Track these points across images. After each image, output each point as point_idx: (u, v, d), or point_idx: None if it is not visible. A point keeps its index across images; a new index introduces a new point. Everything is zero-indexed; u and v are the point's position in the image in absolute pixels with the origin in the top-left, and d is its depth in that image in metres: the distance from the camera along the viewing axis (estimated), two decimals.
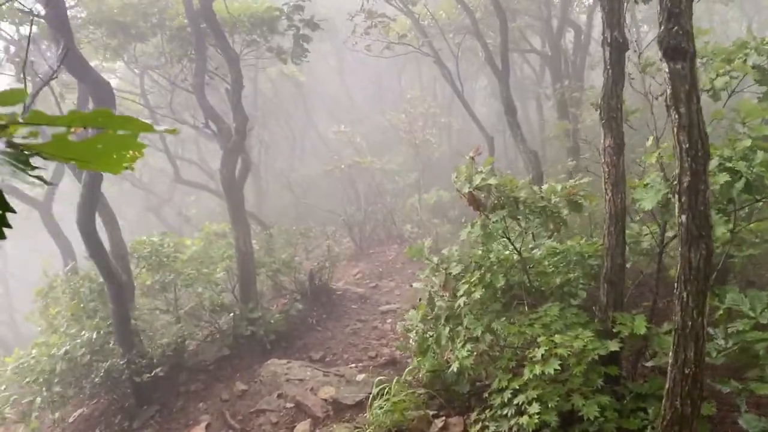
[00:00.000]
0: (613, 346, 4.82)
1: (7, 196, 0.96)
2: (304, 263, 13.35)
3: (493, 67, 11.74)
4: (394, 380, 6.71)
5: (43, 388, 8.62)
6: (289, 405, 8.60)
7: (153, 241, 9.76)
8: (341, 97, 33.22)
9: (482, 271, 5.81)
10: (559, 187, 5.81)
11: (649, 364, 5.66)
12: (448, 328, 6.25)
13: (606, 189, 5.25)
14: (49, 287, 9.06)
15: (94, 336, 8.49)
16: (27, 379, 8.82)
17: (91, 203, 6.93)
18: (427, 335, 6.84)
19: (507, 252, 6.03)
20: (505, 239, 5.88)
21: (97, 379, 8.23)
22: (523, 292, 6.00)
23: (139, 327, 9.02)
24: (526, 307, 5.80)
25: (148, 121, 1.03)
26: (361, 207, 17.96)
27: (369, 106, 33.15)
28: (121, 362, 8.25)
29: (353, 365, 10.19)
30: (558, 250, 6.35)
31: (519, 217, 5.77)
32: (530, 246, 6.32)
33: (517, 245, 5.93)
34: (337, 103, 32.59)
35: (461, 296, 5.87)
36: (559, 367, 4.75)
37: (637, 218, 7.31)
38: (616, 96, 5.24)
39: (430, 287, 6.85)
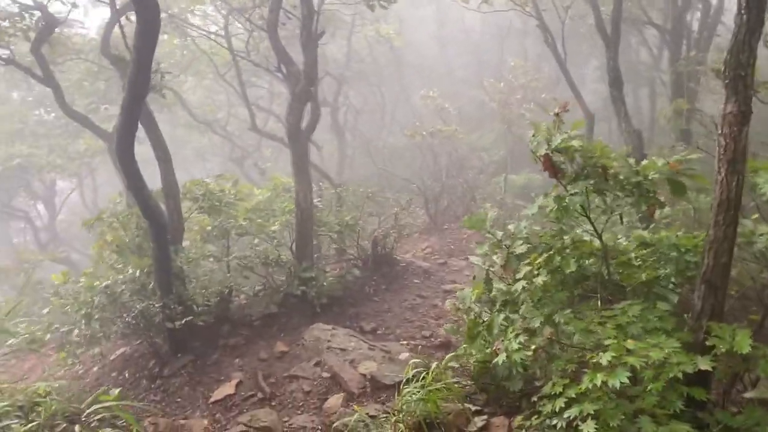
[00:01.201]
0: (704, 363, 3.82)
1: None
2: (369, 229, 12.74)
3: (603, 32, 10.46)
4: (434, 365, 5.94)
5: (82, 321, 8.53)
6: (325, 375, 8.07)
7: (206, 183, 9.42)
8: (439, 67, 32.13)
9: (551, 253, 4.90)
10: (660, 163, 4.75)
11: (748, 394, 4.57)
12: (503, 315, 5.40)
13: (719, 168, 4.18)
14: (98, 218, 8.96)
15: (137, 273, 8.28)
16: (68, 308, 8.79)
17: (129, 128, 6.54)
18: (480, 320, 6.02)
19: (584, 235, 5.07)
20: (584, 218, 4.91)
21: (129, 319, 8.02)
22: (598, 285, 5.04)
23: (185, 272, 8.72)
24: (599, 302, 4.85)
25: None
26: (441, 179, 17.10)
27: (467, 79, 31.90)
28: (156, 305, 7.98)
29: (404, 342, 9.53)
30: (649, 241, 5.31)
31: (606, 192, 4.77)
32: (614, 230, 5.31)
33: (599, 227, 4.95)
34: (434, 73, 31.53)
35: (521, 279, 4.99)
36: (628, 380, 3.81)
37: (755, 215, 6.05)
38: (748, 49, 4.13)
39: (488, 265, 6.00)
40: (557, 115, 4.94)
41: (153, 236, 7.75)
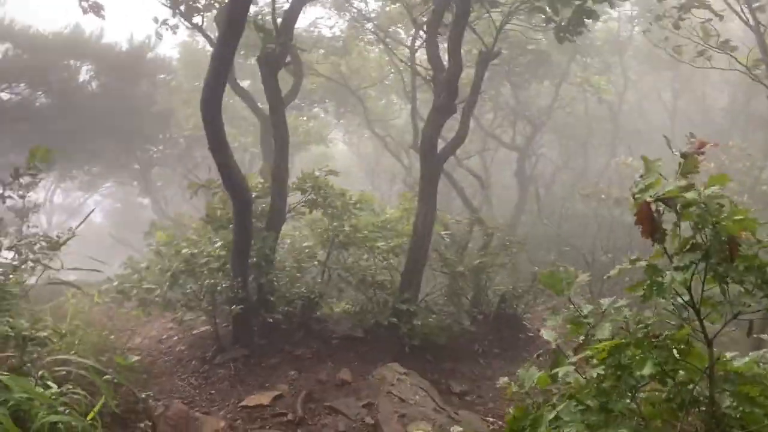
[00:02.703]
0: None
1: None
2: (499, 281, 11.36)
3: None
4: None
5: (166, 284, 8.48)
6: (368, 420, 7.00)
7: (315, 177, 8.91)
8: (659, 138, 28.96)
9: (622, 341, 3.40)
10: None
11: None
12: (553, 414, 3.93)
13: None
14: (203, 185, 8.92)
15: (217, 248, 8.01)
16: (159, 267, 8.81)
17: (217, 81, 6.18)
18: (532, 411, 4.55)
19: (682, 327, 3.45)
20: (687, 306, 3.33)
21: (197, 293, 7.73)
22: (696, 414, 3.39)
23: (274, 263, 8.26)
24: None
25: None
26: (611, 253, 14.93)
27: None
28: (223, 284, 7.59)
29: (490, 418, 8.12)
30: None
31: (729, 279, 3.17)
32: (734, 335, 3.60)
33: (709, 328, 3.32)
34: (653, 143, 28.51)
35: (569, 371, 3.55)
36: None
37: None
38: None
39: (560, 340, 4.53)
40: (688, 156, 3.43)
41: (235, 211, 7.39)
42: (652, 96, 29.89)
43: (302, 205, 9.05)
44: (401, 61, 15.90)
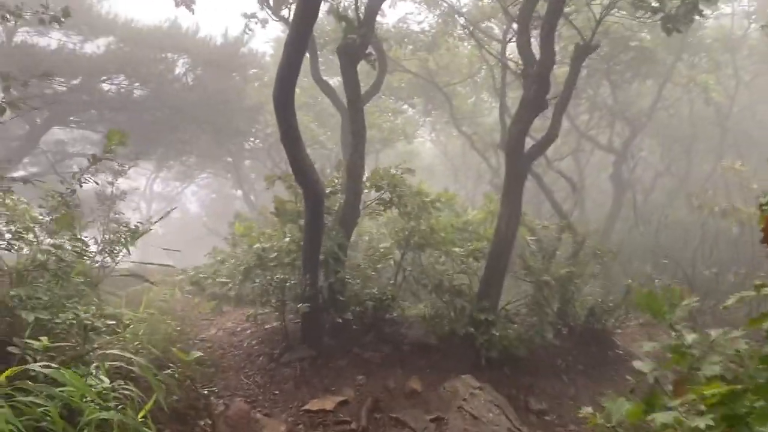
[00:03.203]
0: None
1: None
2: (587, 292, 10.55)
3: None
4: None
5: (237, 278, 8.39)
6: None
7: (391, 175, 8.49)
8: None
9: (735, 389, 2.79)
10: None
11: None
12: None
13: None
14: (280, 177, 8.72)
15: (287, 242, 7.80)
16: (233, 261, 8.74)
17: (290, 70, 5.88)
18: None
19: None
20: None
21: (266, 289, 7.55)
22: None
23: (338, 262, 7.97)
24: None
25: None
26: (718, 270, 13.63)
27: None
28: (291, 281, 7.36)
29: None
30: None
31: None
32: None
33: None
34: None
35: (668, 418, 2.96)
36: None
37: None
38: None
39: (657, 371, 3.91)
40: None
41: (307, 205, 7.13)
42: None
43: (377, 203, 8.71)
44: (491, 55, 15.23)
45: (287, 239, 8.03)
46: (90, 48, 19.77)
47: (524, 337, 9.14)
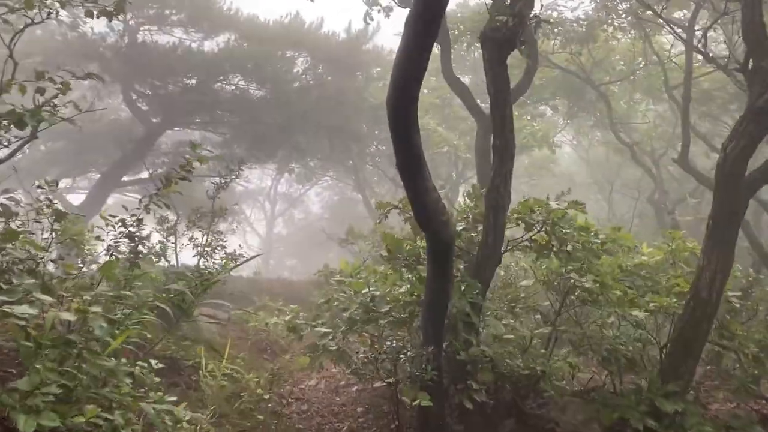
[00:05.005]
0: None
1: None
2: None
3: None
4: None
5: (342, 327, 6.68)
6: None
7: (547, 207, 6.26)
8: None
9: None
10: None
11: None
12: None
13: None
14: (394, 206, 6.82)
15: (403, 293, 5.93)
16: (337, 304, 7.08)
17: (410, 74, 3.79)
18: None
19: None
20: None
21: (374, 355, 5.73)
22: None
23: (470, 326, 5.93)
24: None
25: None
26: None
27: None
28: (409, 352, 5.47)
29: None
30: None
31: None
32: None
33: None
34: None
35: None
36: None
37: None
38: None
39: None
40: None
41: (429, 253, 5.18)
42: None
43: (527, 245, 6.56)
44: (667, 50, 12.39)
45: (403, 288, 6.15)
46: (209, 46, 19.16)
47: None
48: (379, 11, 11.96)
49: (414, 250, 6.25)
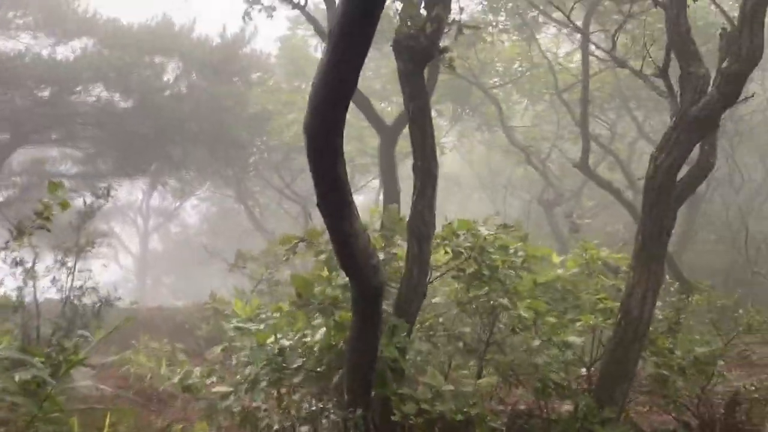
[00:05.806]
0: None
1: None
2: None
3: None
4: None
5: (245, 385, 5.71)
6: None
7: (474, 227, 5.71)
8: None
9: None
10: None
11: None
12: None
13: None
14: (301, 239, 5.97)
15: (316, 339, 5.13)
16: (236, 362, 6.11)
17: (336, 94, 2.99)
18: None
19: None
20: None
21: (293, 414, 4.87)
22: None
23: (397, 372, 5.20)
24: None
25: None
26: None
27: None
28: (334, 410, 4.67)
29: None
30: None
31: None
32: None
33: None
34: None
35: None
36: None
37: None
38: None
39: None
40: None
41: (355, 300, 4.39)
42: None
43: (454, 275, 5.95)
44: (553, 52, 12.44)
45: (317, 336, 5.31)
46: (63, 53, 17.06)
47: None
48: (260, 10, 10.93)
49: (332, 292, 5.41)
